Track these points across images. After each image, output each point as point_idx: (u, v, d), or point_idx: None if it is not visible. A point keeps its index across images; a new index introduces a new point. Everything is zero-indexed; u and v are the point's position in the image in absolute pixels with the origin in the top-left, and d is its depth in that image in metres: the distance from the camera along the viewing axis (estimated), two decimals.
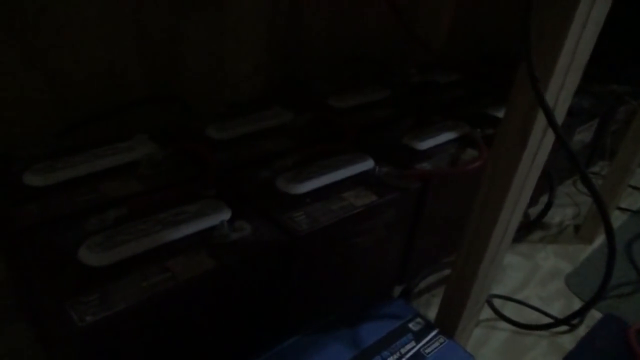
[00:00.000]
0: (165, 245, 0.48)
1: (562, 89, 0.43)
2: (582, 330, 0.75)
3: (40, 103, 0.61)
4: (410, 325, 0.57)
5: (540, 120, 0.44)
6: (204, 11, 0.71)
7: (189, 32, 0.71)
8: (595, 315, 0.78)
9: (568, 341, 0.73)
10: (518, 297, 0.80)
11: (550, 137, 0.47)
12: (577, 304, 0.80)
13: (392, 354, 0.52)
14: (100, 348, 0.42)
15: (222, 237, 0.50)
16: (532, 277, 0.86)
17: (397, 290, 0.76)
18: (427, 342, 0.54)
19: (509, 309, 0.77)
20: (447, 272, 0.74)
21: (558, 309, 0.79)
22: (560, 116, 0.46)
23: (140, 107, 0.69)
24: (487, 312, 0.76)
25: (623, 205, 1.06)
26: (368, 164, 0.64)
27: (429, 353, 0.53)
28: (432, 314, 0.68)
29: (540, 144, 0.47)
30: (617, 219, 1.03)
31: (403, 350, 0.53)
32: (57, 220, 0.50)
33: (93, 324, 0.39)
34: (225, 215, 0.52)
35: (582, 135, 1.05)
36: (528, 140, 0.45)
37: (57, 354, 0.55)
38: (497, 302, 0.78)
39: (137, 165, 0.59)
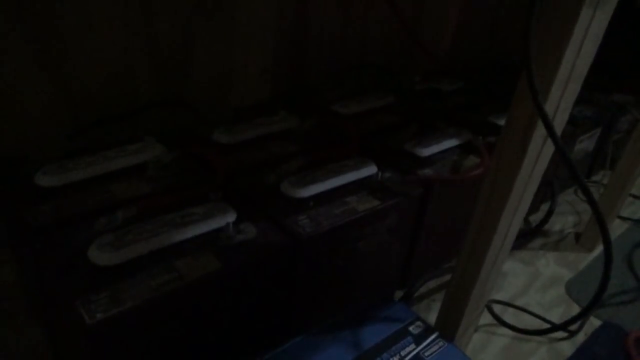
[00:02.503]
0: (173, 246, 0.49)
1: (561, 99, 0.45)
2: (581, 338, 0.75)
3: (52, 106, 0.63)
4: (411, 328, 0.57)
5: (540, 129, 0.45)
6: (212, 18, 0.72)
7: (198, 38, 0.72)
8: (594, 322, 0.78)
9: (567, 348, 0.74)
10: (518, 303, 0.81)
11: (550, 146, 0.48)
12: (577, 311, 0.80)
13: (392, 356, 0.53)
14: (109, 345, 0.43)
15: (227, 239, 0.51)
16: (533, 283, 0.86)
17: (398, 294, 0.77)
18: (427, 346, 0.55)
19: (509, 315, 0.78)
20: (447, 277, 0.75)
21: (558, 316, 0.79)
22: (559, 126, 0.47)
23: (149, 110, 0.71)
24: (487, 318, 0.77)
25: (624, 214, 1.06)
26: (371, 170, 0.65)
27: (428, 356, 0.54)
28: (432, 318, 0.69)
29: (540, 153, 0.48)
30: (618, 227, 1.03)
31: (403, 353, 0.54)
32: (68, 221, 0.51)
33: (102, 322, 0.41)
34: (231, 217, 0.53)
35: (584, 144, 1.06)
36: (528, 148, 0.46)
37: (67, 352, 0.56)
38: (497, 308, 0.79)
39: (146, 167, 0.60)
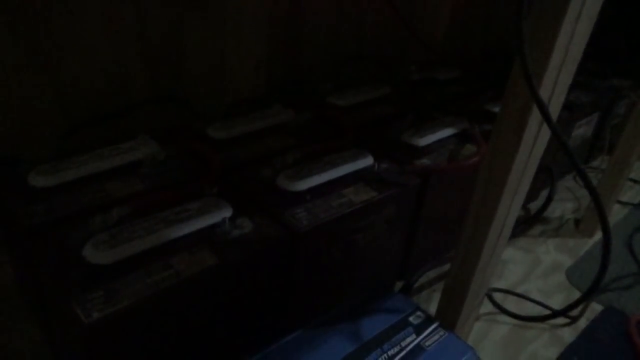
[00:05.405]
0: (169, 243, 0.49)
1: (556, 83, 0.44)
2: (582, 323, 0.75)
3: (44, 105, 0.62)
4: (411, 318, 0.57)
5: (536, 114, 0.44)
6: (204, 11, 0.71)
7: (190, 32, 0.71)
8: (596, 308, 0.78)
9: (569, 334, 0.74)
10: (519, 290, 0.80)
11: (546, 131, 0.47)
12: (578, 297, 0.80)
13: (392, 347, 0.53)
14: (107, 344, 0.43)
15: (224, 234, 0.51)
16: (533, 271, 0.86)
17: (398, 285, 0.77)
18: (427, 335, 0.55)
19: (510, 303, 0.78)
20: (447, 266, 0.75)
21: (559, 302, 0.79)
22: (555, 110, 0.46)
23: (142, 108, 0.70)
24: (487, 306, 0.77)
25: (624, 199, 1.06)
26: (368, 161, 0.64)
27: (429, 346, 0.54)
28: (432, 308, 0.69)
29: (536, 139, 0.47)
30: (618, 212, 1.03)
31: (403, 344, 0.54)
32: (63, 220, 0.51)
33: (99, 320, 0.40)
34: (227, 212, 0.53)
35: (583, 130, 1.05)
36: (524, 134, 0.45)
37: (64, 352, 0.56)
38: (497, 296, 0.79)
39: (140, 165, 0.60)
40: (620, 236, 0.95)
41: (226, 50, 0.77)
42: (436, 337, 0.55)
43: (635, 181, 1.15)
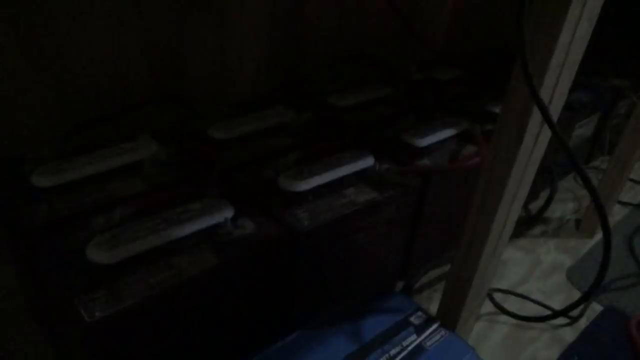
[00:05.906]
0: (171, 243, 0.49)
1: (557, 84, 0.44)
2: (583, 323, 0.75)
3: (46, 105, 0.63)
4: (412, 319, 0.57)
5: (536, 115, 0.44)
6: (206, 11, 0.72)
7: (192, 33, 0.72)
8: (596, 308, 0.78)
9: (569, 334, 0.74)
10: (519, 291, 0.81)
11: (547, 132, 0.47)
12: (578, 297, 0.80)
13: (393, 347, 0.53)
14: (109, 344, 0.43)
15: (225, 235, 0.51)
16: (533, 271, 0.86)
17: (399, 285, 0.77)
18: (428, 335, 0.55)
19: (511, 303, 0.78)
20: (448, 267, 0.75)
21: (560, 303, 0.79)
22: (555, 111, 0.46)
23: (144, 108, 0.70)
24: (488, 306, 0.77)
25: (624, 199, 1.06)
26: (369, 161, 0.65)
27: (430, 346, 0.54)
28: (433, 309, 0.69)
29: (536, 139, 0.47)
30: (618, 212, 1.03)
31: (404, 344, 0.54)
32: (65, 220, 0.51)
33: (102, 320, 0.41)
34: (229, 213, 0.53)
35: (583, 130, 1.06)
36: (524, 135, 0.46)
37: (67, 351, 0.56)
38: (498, 296, 0.79)
39: (142, 165, 0.60)
40: (621, 236, 0.96)
41: (227, 50, 0.77)
42: (437, 337, 0.55)
43: (635, 181, 1.15)
